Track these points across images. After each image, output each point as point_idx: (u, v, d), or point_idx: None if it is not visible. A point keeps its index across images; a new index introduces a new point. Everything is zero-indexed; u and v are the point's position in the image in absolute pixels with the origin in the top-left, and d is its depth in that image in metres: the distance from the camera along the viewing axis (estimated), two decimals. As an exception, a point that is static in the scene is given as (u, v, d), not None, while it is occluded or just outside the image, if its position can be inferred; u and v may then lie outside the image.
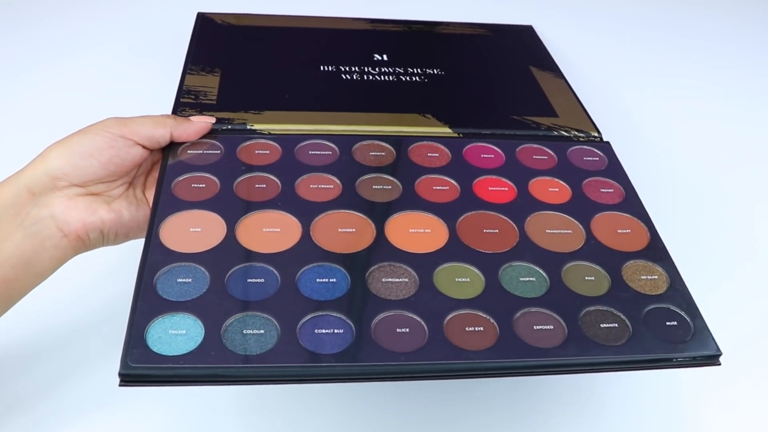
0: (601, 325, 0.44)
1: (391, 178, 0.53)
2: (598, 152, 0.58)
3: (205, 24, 0.73)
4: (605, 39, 0.95)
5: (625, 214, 0.53)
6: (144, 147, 0.51)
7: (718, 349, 0.44)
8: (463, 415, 0.51)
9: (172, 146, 0.54)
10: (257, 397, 0.51)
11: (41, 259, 0.47)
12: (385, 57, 0.70)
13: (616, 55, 0.92)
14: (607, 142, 0.60)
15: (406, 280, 0.46)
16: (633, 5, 1.04)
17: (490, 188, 0.54)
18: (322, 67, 0.67)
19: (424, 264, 0.47)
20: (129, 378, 0.39)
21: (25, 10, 0.91)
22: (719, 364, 0.44)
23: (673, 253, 0.50)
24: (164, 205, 0.49)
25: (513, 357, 0.42)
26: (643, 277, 0.48)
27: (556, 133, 0.60)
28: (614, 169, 0.57)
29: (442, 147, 0.57)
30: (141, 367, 0.39)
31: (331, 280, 0.45)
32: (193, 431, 0.49)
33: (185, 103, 0.59)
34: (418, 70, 0.68)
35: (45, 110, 0.75)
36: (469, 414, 0.51)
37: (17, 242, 0.46)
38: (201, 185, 0.51)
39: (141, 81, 0.79)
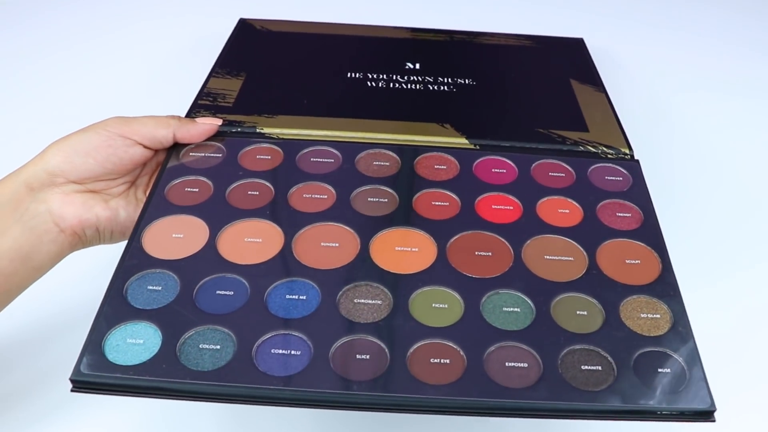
0: (582, 367, 0.41)
1: (389, 191, 0.51)
2: (623, 171, 0.54)
3: (243, 29, 0.73)
4: (668, 56, 0.88)
5: (638, 242, 0.48)
6: (146, 147, 0.51)
7: (712, 404, 0.39)
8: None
9: (176, 147, 0.54)
10: (229, 409, 0.51)
11: (39, 254, 0.48)
12: (417, 66, 0.68)
13: (676, 72, 0.85)
14: (637, 161, 0.55)
15: (380, 302, 0.44)
16: (704, 17, 0.96)
17: (493, 206, 0.51)
18: (349, 74, 0.65)
19: (404, 285, 0.45)
20: (80, 384, 0.39)
21: (64, 7, 0.94)
22: (713, 421, 0.39)
23: (687, 290, 0.45)
24: (153, 208, 0.49)
25: (474, 396, 0.39)
26: (642, 315, 0.44)
27: (582, 148, 0.56)
28: (637, 191, 0.52)
29: (452, 159, 0.54)
30: (91, 375, 0.39)
31: (300, 297, 0.44)
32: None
33: (201, 105, 0.59)
34: (449, 80, 0.65)
35: (77, 108, 0.77)
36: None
37: (16, 236, 0.47)
38: (194, 189, 0.51)
39: (175, 84, 0.80)
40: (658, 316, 0.44)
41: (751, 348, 0.56)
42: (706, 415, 0.39)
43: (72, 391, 0.39)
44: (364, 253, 0.46)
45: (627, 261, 0.47)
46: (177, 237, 0.47)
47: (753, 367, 0.54)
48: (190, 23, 0.92)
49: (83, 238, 0.50)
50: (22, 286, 0.48)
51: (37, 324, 0.55)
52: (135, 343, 0.41)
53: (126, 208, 0.51)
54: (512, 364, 0.41)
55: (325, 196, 0.51)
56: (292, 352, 0.40)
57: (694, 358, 0.41)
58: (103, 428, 0.49)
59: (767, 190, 0.70)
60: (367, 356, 0.41)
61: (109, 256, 0.54)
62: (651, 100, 0.80)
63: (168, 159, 0.53)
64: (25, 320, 0.55)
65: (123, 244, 0.52)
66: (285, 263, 0.46)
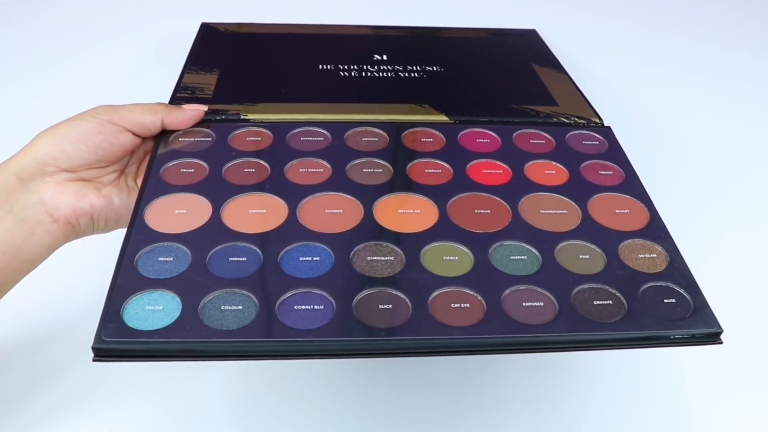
0: (595, 303, 0.42)
1: (382, 162, 0.52)
2: (598, 136, 0.57)
3: (208, 32, 0.74)
4: (613, 42, 0.95)
5: (624, 195, 0.51)
6: (134, 134, 0.51)
7: (719, 326, 0.41)
8: (449, 393, 0.50)
9: (164, 134, 0.53)
10: (245, 394, 0.50)
11: (32, 245, 0.47)
12: (384, 57, 0.70)
13: (624, 56, 0.92)
14: (608, 127, 0.58)
15: (392, 258, 0.44)
16: (642, 6, 1.03)
17: (484, 171, 0.52)
18: (320, 66, 0.67)
19: (412, 243, 0.46)
20: (102, 352, 0.38)
21: (35, 9, 0.92)
22: (720, 342, 0.42)
23: (676, 239, 0.48)
24: (151, 188, 0.48)
25: (499, 333, 0.40)
26: (641, 256, 0.46)
27: (555, 119, 0.59)
28: (614, 153, 0.55)
29: (437, 132, 0.56)
30: (114, 342, 0.38)
31: (314, 258, 0.44)
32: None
33: (181, 98, 0.59)
34: (418, 68, 0.67)
35: (42, 110, 0.75)
36: (455, 392, 0.50)
37: (7, 228, 0.46)
38: (190, 170, 0.50)
39: (141, 88, 0.80)
40: (655, 255, 0.46)
41: (734, 280, 0.61)
42: (714, 336, 0.41)
43: (94, 360, 0.38)
44: (368, 217, 0.47)
45: (617, 211, 0.49)
46: (180, 213, 0.47)
47: (739, 296, 0.59)
48: (149, 30, 0.91)
49: (77, 227, 0.49)
50: (14, 278, 0.47)
51: (45, 316, 0.54)
52: (154, 309, 0.40)
53: (119, 195, 0.50)
54: (529, 303, 0.42)
55: (321, 170, 0.51)
56: (315, 307, 0.41)
57: (694, 289, 0.44)
58: (127, 413, 0.48)
59: (723, 147, 0.77)
60: (390, 306, 0.41)
61: (106, 247, 0.53)
62: (607, 82, 0.85)
63: (157, 145, 0.52)
64: (29, 314, 0.54)
65: (110, 238, 0.52)
66: (293, 230, 0.46)
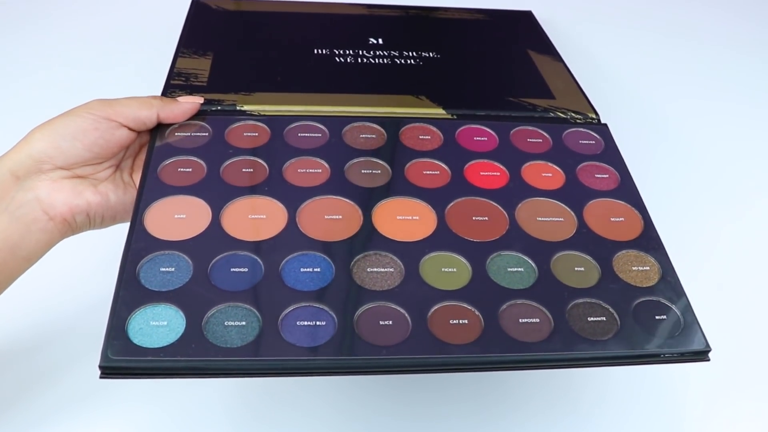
0: (589, 319, 0.44)
1: (380, 162, 0.52)
2: (595, 135, 0.57)
3: (199, 9, 0.72)
4: (609, 25, 0.94)
5: (619, 201, 0.52)
6: (130, 129, 0.50)
7: (707, 344, 0.43)
8: (448, 409, 0.51)
9: (159, 128, 0.53)
10: (245, 395, 0.51)
11: (28, 243, 0.47)
12: (380, 41, 0.69)
13: (621, 40, 0.91)
14: (605, 125, 0.58)
15: (392, 269, 0.45)
16: None
17: (481, 173, 0.53)
18: (315, 51, 0.66)
19: (411, 253, 0.46)
20: (109, 370, 0.39)
21: None
22: (708, 360, 0.43)
23: (668, 243, 0.49)
24: (149, 191, 0.48)
25: (496, 351, 0.41)
26: (634, 268, 0.47)
27: (552, 114, 0.59)
28: (610, 153, 0.55)
29: (435, 129, 0.56)
30: (121, 360, 0.39)
31: (315, 269, 0.44)
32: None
33: (175, 85, 0.58)
34: (414, 53, 0.67)
35: (35, 95, 0.74)
36: (453, 407, 0.51)
37: (3, 226, 0.46)
38: (187, 169, 0.50)
39: (134, 67, 0.78)
40: (648, 268, 0.47)
41: (727, 291, 0.61)
42: (702, 354, 0.43)
43: (101, 377, 0.39)
44: (367, 224, 0.48)
45: (612, 219, 0.50)
46: (180, 218, 0.47)
47: (731, 308, 0.60)
48: (135, 5, 0.89)
49: (73, 224, 0.49)
50: (11, 276, 0.47)
51: (45, 316, 0.54)
52: (159, 325, 0.41)
53: (115, 192, 0.50)
54: (525, 320, 0.43)
55: (320, 170, 0.51)
56: (317, 323, 0.41)
57: (685, 305, 0.45)
58: (126, 415, 0.49)
59: (723, 146, 0.77)
60: (390, 322, 0.42)
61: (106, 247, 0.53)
62: (601, 64, 0.85)
63: (153, 140, 0.52)
64: (29, 314, 0.54)
65: (111, 230, 0.52)
66: (293, 237, 0.46)
